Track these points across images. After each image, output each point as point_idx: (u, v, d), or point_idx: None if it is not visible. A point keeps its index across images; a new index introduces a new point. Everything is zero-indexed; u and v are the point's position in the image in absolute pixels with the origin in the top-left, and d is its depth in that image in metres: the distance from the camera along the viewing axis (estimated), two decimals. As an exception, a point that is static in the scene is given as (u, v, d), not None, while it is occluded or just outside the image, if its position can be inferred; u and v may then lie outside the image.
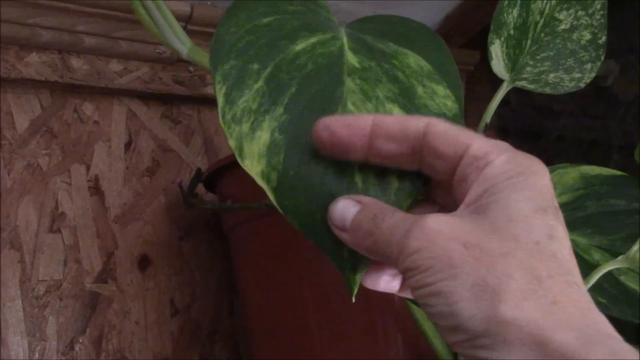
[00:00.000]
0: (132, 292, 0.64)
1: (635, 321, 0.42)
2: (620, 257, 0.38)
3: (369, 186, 0.28)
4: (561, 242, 0.24)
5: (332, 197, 0.28)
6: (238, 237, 0.60)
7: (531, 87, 0.45)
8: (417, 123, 0.26)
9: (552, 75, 0.46)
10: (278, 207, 0.28)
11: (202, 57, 0.39)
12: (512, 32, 0.45)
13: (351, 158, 0.28)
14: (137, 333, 0.63)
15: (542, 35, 0.46)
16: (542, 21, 0.46)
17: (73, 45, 0.61)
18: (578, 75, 0.46)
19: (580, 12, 0.47)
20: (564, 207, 0.46)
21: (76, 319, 0.60)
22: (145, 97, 0.69)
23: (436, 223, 0.24)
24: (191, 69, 0.70)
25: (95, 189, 0.64)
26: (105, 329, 0.62)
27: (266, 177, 0.28)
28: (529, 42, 0.46)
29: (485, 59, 0.46)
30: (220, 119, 0.28)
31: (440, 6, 0.78)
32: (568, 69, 0.46)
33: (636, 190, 0.45)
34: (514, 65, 0.45)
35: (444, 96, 0.31)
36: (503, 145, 0.26)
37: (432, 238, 0.24)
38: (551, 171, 0.47)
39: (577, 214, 0.45)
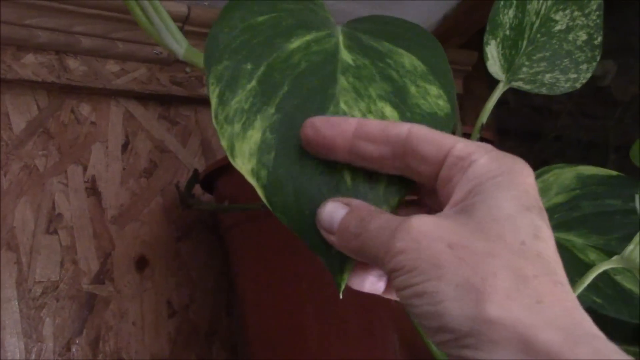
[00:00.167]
0: (130, 293, 0.64)
1: (631, 321, 0.42)
2: (615, 257, 0.38)
3: (358, 184, 0.28)
4: (546, 241, 0.24)
5: (321, 195, 0.28)
6: (235, 237, 0.60)
7: (527, 87, 0.46)
8: (399, 127, 0.26)
9: (548, 75, 0.46)
10: (267, 205, 0.28)
11: (198, 58, 0.39)
12: (508, 32, 0.45)
13: (336, 158, 0.28)
14: (134, 334, 0.63)
15: (538, 35, 0.46)
16: (538, 22, 0.46)
17: (70, 46, 0.61)
18: (574, 75, 0.46)
19: (576, 13, 0.47)
20: (560, 207, 0.46)
21: (73, 320, 0.60)
22: (143, 98, 0.69)
23: (421, 224, 0.24)
24: (188, 69, 0.70)
25: (92, 190, 0.64)
26: (102, 330, 0.62)
27: (256, 174, 0.28)
28: (525, 42, 0.46)
29: (483, 59, 0.46)
30: (214, 119, 0.29)
31: (438, 6, 0.78)
32: (564, 70, 0.46)
33: (632, 191, 0.45)
34: (510, 65, 0.45)
35: (436, 96, 0.31)
36: (486, 146, 0.26)
37: (417, 239, 0.24)
38: (547, 171, 0.47)
39: (573, 214, 0.45)
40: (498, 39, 0.45)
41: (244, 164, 0.28)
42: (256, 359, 0.59)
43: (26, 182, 0.61)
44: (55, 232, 0.61)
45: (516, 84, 0.46)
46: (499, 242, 0.23)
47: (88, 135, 0.65)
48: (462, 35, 0.82)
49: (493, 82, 0.47)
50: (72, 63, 0.62)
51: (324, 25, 0.34)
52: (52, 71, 0.61)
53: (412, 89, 0.31)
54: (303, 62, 0.31)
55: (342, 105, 0.30)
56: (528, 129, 0.90)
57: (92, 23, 0.61)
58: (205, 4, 0.67)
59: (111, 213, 0.65)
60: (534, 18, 0.46)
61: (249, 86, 0.29)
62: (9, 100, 0.61)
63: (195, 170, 0.63)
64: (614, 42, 0.77)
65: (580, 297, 0.31)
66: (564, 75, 0.46)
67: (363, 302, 0.51)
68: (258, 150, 0.28)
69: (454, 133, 0.28)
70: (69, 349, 0.60)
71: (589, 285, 0.39)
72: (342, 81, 0.30)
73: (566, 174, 0.46)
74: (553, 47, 0.46)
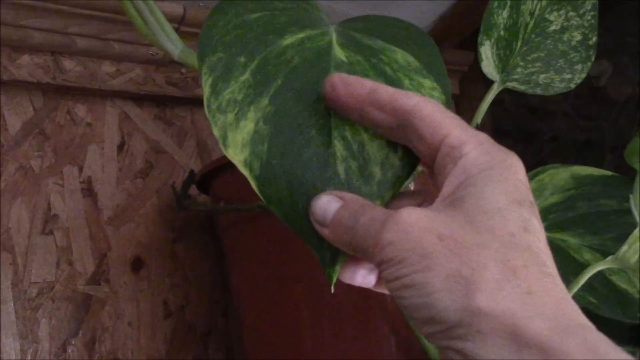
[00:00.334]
0: (125, 294, 0.64)
1: (626, 321, 0.42)
2: (610, 257, 0.38)
3: (351, 177, 0.28)
4: (536, 234, 0.24)
5: (315, 187, 0.28)
6: (231, 238, 0.60)
7: (522, 87, 0.46)
8: (407, 99, 0.27)
9: (542, 76, 0.46)
10: (260, 196, 0.28)
11: (194, 59, 0.39)
12: (502, 33, 0.45)
13: (348, 116, 0.28)
14: (130, 335, 0.63)
15: (533, 36, 0.47)
16: (532, 22, 0.46)
17: (65, 47, 0.61)
18: (569, 76, 0.46)
19: (570, 13, 0.47)
20: (555, 207, 0.46)
21: (69, 321, 0.60)
22: (138, 98, 0.69)
23: (410, 216, 0.24)
24: (184, 70, 0.70)
25: (88, 191, 0.64)
26: (98, 331, 0.62)
27: (249, 165, 0.28)
28: (519, 43, 0.46)
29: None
30: (206, 108, 0.29)
31: (434, 7, 0.78)
32: (559, 70, 0.46)
33: (627, 191, 0.45)
34: (504, 66, 0.45)
35: (430, 88, 0.31)
36: (481, 136, 0.26)
37: (406, 230, 0.24)
38: (542, 171, 0.47)
39: (568, 214, 0.45)
40: (492, 40, 0.45)
41: (236, 154, 0.28)
42: (252, 359, 0.59)
43: (22, 183, 0.61)
44: (51, 232, 0.61)
45: (511, 85, 0.46)
46: (488, 234, 0.23)
47: (84, 136, 0.65)
48: (457, 35, 0.82)
49: (489, 83, 0.47)
50: (67, 64, 0.62)
51: (317, 23, 0.34)
52: (47, 72, 0.61)
53: (406, 82, 0.31)
54: (296, 58, 0.31)
55: None
56: (524, 129, 0.90)
57: (87, 24, 0.61)
58: (201, 4, 0.67)
59: (107, 214, 0.65)
60: (528, 18, 0.46)
61: (242, 78, 0.29)
62: (4, 101, 0.61)
63: (191, 171, 0.62)
64: (609, 42, 0.77)
65: (575, 297, 0.31)
66: (558, 75, 0.46)
67: (359, 302, 0.51)
68: (251, 141, 0.28)
69: None
70: (64, 350, 0.59)
71: (584, 285, 0.39)
72: None
73: (561, 174, 0.47)
74: (547, 47, 0.46)
